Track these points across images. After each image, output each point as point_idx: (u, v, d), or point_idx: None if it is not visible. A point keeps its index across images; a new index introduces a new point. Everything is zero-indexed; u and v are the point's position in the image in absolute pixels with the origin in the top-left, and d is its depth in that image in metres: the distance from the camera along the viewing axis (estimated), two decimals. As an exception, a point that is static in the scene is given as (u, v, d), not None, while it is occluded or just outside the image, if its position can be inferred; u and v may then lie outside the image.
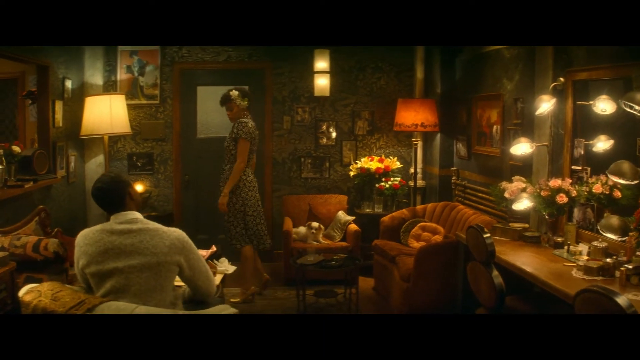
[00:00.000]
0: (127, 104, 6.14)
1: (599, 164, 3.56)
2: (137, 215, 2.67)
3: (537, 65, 4.34)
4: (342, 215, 6.20)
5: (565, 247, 3.58)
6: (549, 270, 3.22)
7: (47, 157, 4.89)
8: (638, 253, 2.98)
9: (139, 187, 6.29)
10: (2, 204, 4.21)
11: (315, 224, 5.90)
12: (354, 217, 6.18)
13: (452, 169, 6.11)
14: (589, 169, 3.74)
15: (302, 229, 5.97)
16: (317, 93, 6.47)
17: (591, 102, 3.52)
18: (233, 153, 5.06)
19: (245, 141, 5.00)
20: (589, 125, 3.79)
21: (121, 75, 6.45)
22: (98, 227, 2.62)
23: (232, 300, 5.14)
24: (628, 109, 3.09)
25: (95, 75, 6.24)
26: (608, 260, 3.11)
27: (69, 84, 5.57)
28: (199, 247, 2.94)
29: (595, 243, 3.32)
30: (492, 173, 5.20)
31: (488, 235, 3.42)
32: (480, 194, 5.42)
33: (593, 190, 3.45)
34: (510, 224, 4.19)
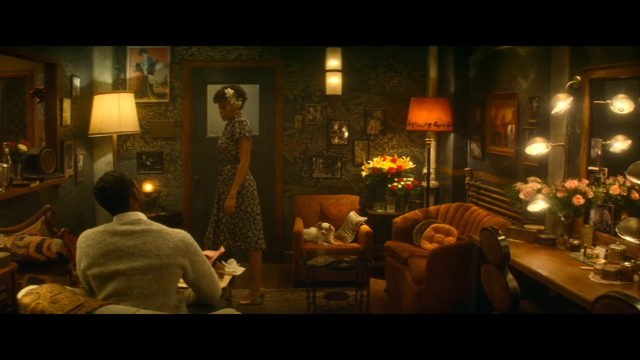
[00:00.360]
0: (137, 103, 6.12)
1: (617, 165, 3.47)
2: (141, 215, 2.60)
3: (552, 63, 4.24)
4: (353, 215, 6.12)
5: (582, 250, 3.49)
6: (565, 274, 3.13)
7: (54, 155, 4.85)
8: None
9: (148, 187, 6.26)
10: (7, 203, 4.17)
11: (325, 225, 5.82)
12: (365, 218, 6.10)
13: (466, 169, 6.01)
14: (606, 169, 3.65)
15: (312, 230, 5.89)
16: (328, 92, 6.40)
17: (608, 101, 3.44)
18: (233, 153, 5.00)
19: (248, 140, 4.97)
20: (606, 124, 3.70)
21: (130, 73, 6.41)
22: (100, 227, 2.56)
23: (242, 302, 5.09)
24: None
25: (104, 74, 6.21)
26: (626, 263, 3.01)
27: (77, 82, 5.53)
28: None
29: (612, 246, 3.23)
30: (507, 173, 5.10)
31: (503, 237, 3.33)
32: (494, 195, 5.32)
33: (610, 192, 3.36)
34: (525, 226, 4.09)
